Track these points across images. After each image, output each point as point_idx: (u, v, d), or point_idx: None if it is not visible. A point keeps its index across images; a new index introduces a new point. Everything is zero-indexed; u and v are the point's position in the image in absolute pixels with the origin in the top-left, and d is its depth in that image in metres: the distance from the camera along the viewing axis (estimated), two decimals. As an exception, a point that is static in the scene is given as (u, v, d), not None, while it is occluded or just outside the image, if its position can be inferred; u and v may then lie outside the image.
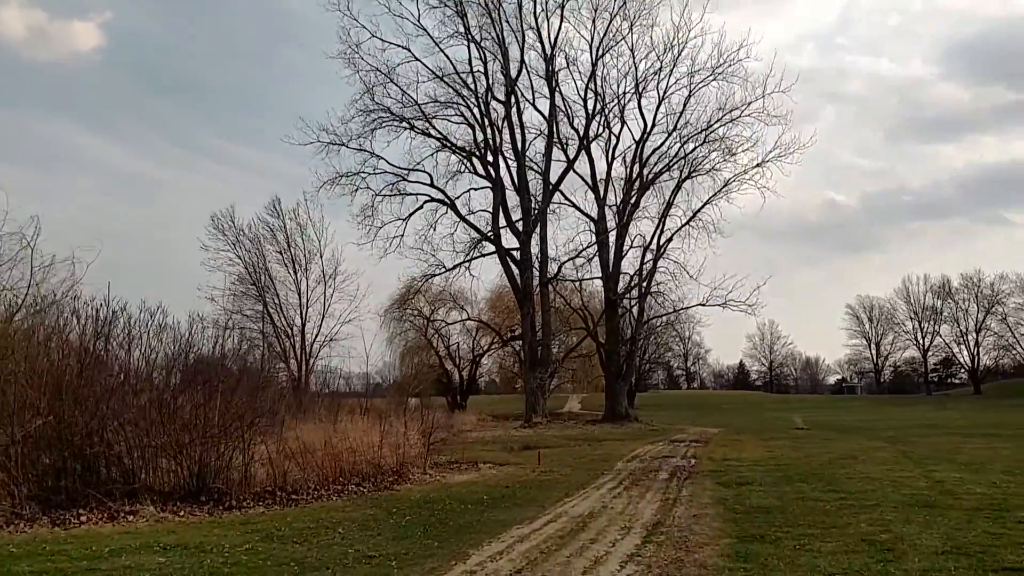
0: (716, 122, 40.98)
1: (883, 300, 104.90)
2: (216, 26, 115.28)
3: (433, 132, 39.85)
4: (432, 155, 39.80)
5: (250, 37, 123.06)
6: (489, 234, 40.00)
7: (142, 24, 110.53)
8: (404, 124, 38.87)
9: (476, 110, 39.86)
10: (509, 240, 40.43)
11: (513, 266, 39.89)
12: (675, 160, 41.94)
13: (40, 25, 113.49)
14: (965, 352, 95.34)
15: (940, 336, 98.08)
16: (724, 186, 41.05)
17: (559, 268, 40.73)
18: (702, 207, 41.55)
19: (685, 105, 40.87)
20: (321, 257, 38.66)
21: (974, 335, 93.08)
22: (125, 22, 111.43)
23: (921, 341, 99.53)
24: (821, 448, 23.65)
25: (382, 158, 39.78)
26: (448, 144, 39.90)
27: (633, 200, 42.38)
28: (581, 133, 41.65)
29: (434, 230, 40.27)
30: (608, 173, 42.92)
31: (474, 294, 63.31)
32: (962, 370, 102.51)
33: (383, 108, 38.45)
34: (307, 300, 38.54)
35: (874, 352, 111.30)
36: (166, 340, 12.96)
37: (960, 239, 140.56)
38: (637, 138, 42.35)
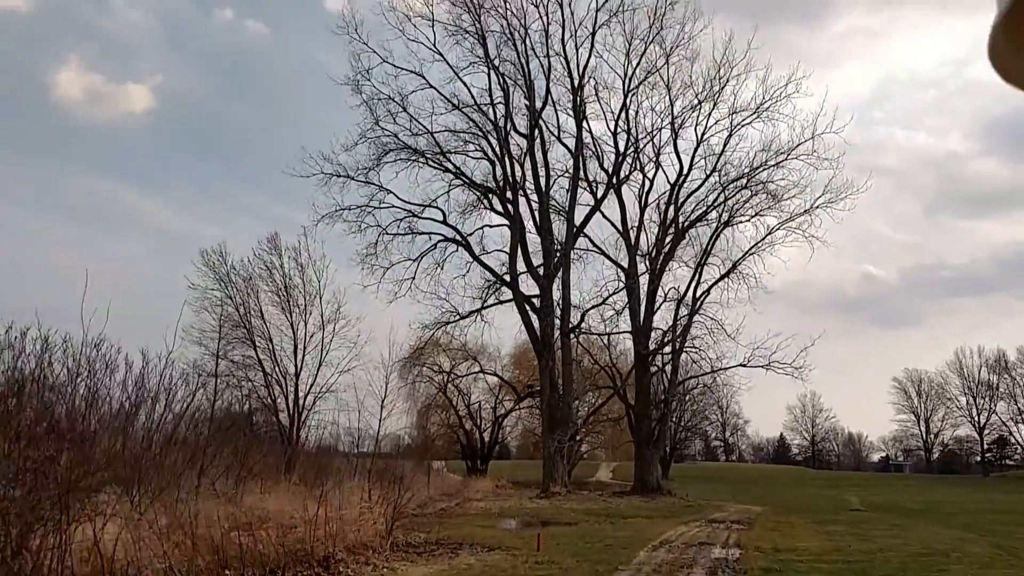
0: (760, 165, 37.33)
1: (933, 374, 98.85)
2: (262, 87, 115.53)
3: (447, 165, 36.61)
4: (446, 191, 36.31)
5: (293, 99, 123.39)
6: (505, 277, 36.24)
7: (190, 84, 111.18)
8: (416, 156, 35.55)
9: (495, 143, 36.61)
10: (528, 288, 36.79)
11: (532, 314, 36.01)
12: (713, 206, 38.21)
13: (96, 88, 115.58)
14: (1022, 431, 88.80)
15: (996, 414, 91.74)
16: (768, 234, 37.20)
17: (582, 317, 36.55)
18: (744, 256, 37.67)
19: (725, 145, 37.36)
20: (320, 299, 35.06)
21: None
22: (175, 83, 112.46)
23: (976, 418, 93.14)
24: (893, 538, 19.30)
25: (391, 192, 36.56)
26: (464, 178, 36.50)
27: (667, 248, 38.59)
28: (610, 172, 38.13)
29: (441, 269, 36.60)
30: (640, 219, 39.31)
31: (497, 349, 59.53)
32: (1017, 450, 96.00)
33: (392, 136, 35.28)
34: (304, 346, 34.94)
35: (923, 428, 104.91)
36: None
37: (1000, 316, 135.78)
38: (672, 181, 38.77)
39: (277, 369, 35.00)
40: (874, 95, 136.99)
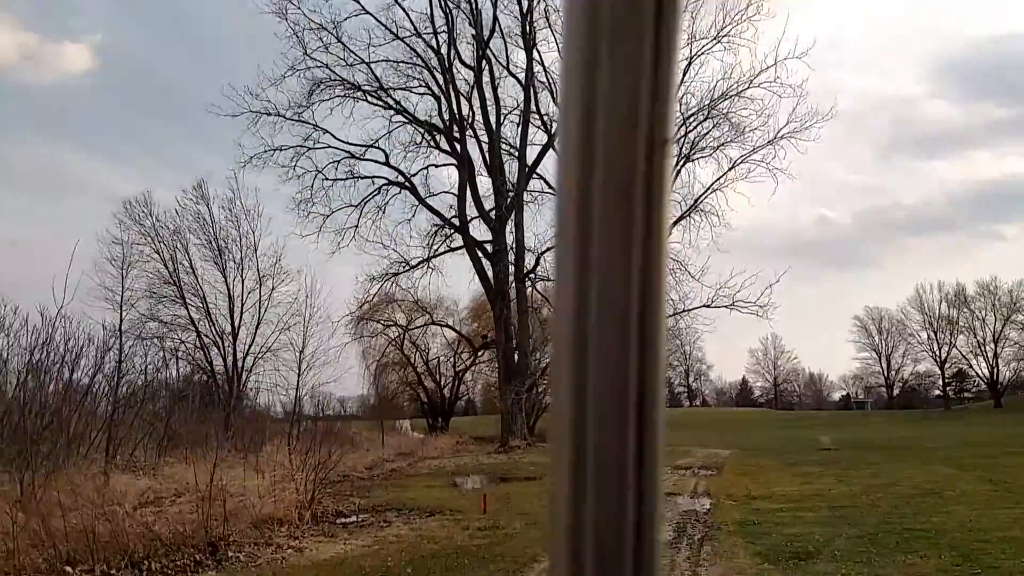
0: (721, 96, 35.29)
1: (893, 311, 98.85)
2: (198, 38, 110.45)
3: (388, 101, 33.41)
4: (387, 131, 33.29)
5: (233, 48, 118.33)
6: (454, 220, 33.79)
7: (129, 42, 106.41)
8: (352, 90, 32.26)
9: (439, 77, 33.76)
10: (481, 234, 34.47)
11: (485, 261, 33.82)
12: (673, 140, 36.13)
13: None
14: (984, 364, 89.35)
15: (956, 347, 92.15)
16: (731, 167, 35.18)
17: (537, 260, 34.20)
18: (706, 192, 35.70)
19: (684, 75, 34.90)
20: (256, 252, 32.57)
21: (992, 346, 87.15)
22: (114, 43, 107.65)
23: (937, 352, 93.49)
24: (873, 478, 17.89)
25: (327, 131, 33.23)
26: (407, 115, 33.48)
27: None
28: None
29: (383, 213, 33.71)
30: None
31: (455, 302, 57.43)
32: (977, 383, 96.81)
33: (325, 68, 31.94)
34: (242, 303, 32.54)
35: (884, 365, 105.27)
36: None
37: (955, 254, 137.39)
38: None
39: (213, 329, 32.70)
40: (828, 41, 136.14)
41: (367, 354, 55.97)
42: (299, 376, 26.55)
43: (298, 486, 11.83)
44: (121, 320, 17.53)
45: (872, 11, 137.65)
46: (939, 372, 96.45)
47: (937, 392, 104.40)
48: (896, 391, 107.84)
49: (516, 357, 34.17)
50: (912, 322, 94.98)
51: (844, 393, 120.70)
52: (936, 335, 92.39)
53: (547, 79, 35.57)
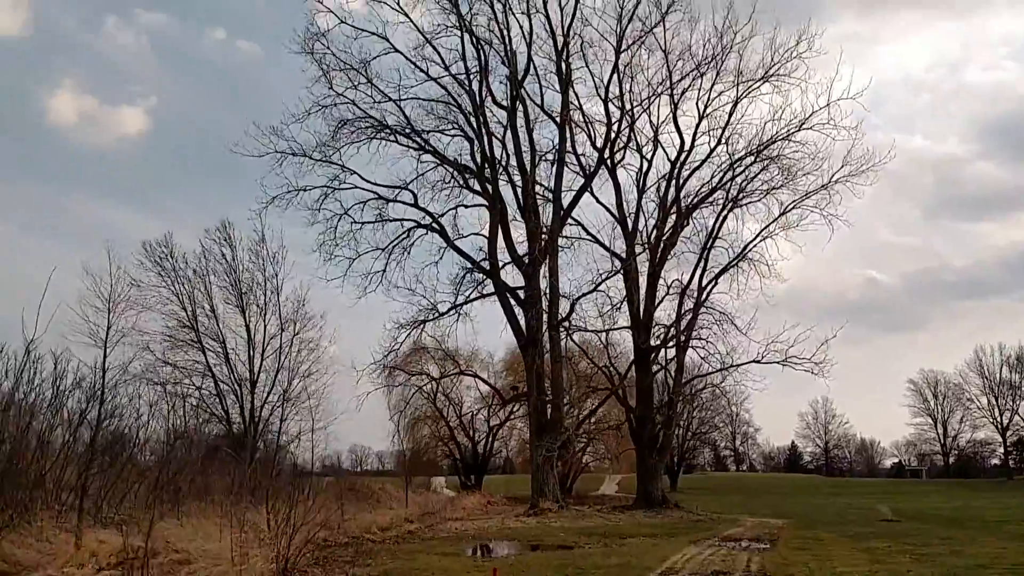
0: (770, 138, 33.34)
1: (950, 374, 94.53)
2: (255, 105, 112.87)
3: (417, 141, 32.10)
4: (416, 174, 31.52)
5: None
6: (484, 264, 31.92)
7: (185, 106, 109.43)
8: (380, 129, 31.11)
9: (471, 118, 32.34)
10: (513, 280, 32.58)
11: (517, 308, 31.87)
12: (719, 185, 34.18)
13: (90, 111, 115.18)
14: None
15: (1018, 414, 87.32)
16: (783, 212, 33.17)
17: (572, 306, 31.79)
18: (755, 239, 33.76)
19: (731, 116, 33.29)
20: (278, 295, 31.18)
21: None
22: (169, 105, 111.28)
23: (999, 418, 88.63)
24: (953, 555, 15.44)
25: (354, 172, 31.87)
26: (436, 155, 31.89)
27: (668, 234, 34.59)
28: (601, 148, 33.89)
29: (408, 254, 31.94)
30: (639, 203, 35.23)
31: (490, 355, 55.47)
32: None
33: (351, 104, 30.40)
34: (263, 349, 31.02)
35: (940, 431, 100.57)
36: None
37: (1008, 318, 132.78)
38: (673, 159, 34.76)
39: (232, 375, 31.16)
40: (869, 100, 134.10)
41: (398, 406, 54.11)
42: (313, 425, 24.68)
43: (269, 551, 9.92)
44: (104, 357, 15.79)
45: (913, 71, 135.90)
46: (999, 439, 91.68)
47: (995, 461, 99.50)
48: (952, 459, 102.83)
49: (549, 411, 31.92)
50: (971, 386, 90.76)
51: (896, 460, 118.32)
52: (997, 400, 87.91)
53: (583, 118, 34.08)
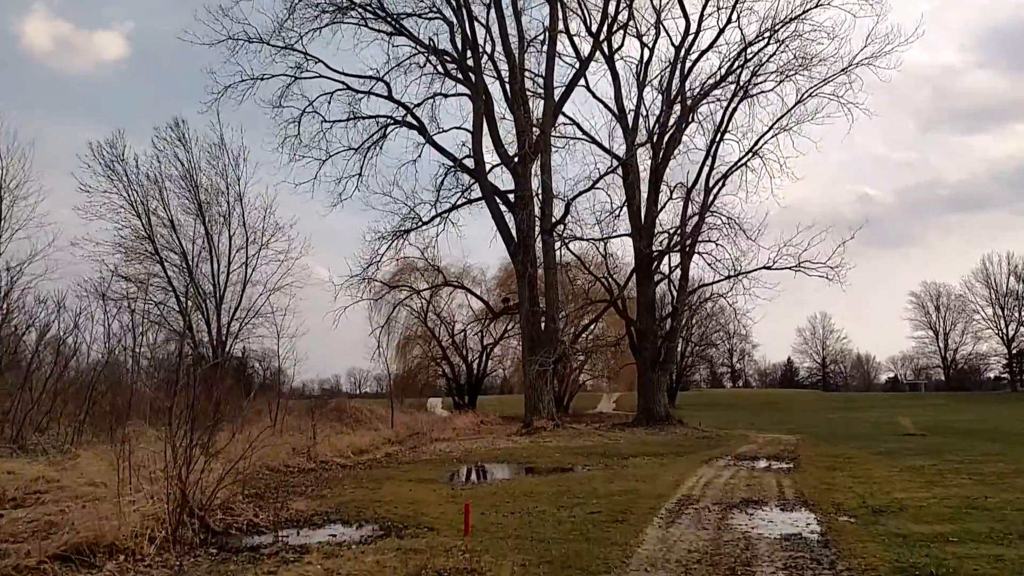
0: (784, 18, 29.79)
1: (953, 287, 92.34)
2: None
3: (391, 24, 28.00)
4: (388, 58, 28.15)
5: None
6: (465, 160, 28.63)
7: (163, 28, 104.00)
8: (349, 12, 27.25)
9: None
10: (502, 182, 29.40)
11: (505, 210, 28.79)
12: (729, 72, 30.76)
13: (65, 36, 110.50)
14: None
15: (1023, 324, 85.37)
16: (799, 100, 29.85)
17: (567, 207, 28.49)
18: (769, 130, 30.45)
19: (742, -9, 29.72)
20: (241, 201, 28.12)
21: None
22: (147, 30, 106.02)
23: (1004, 329, 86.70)
24: (1020, 475, 13.00)
25: (320, 61, 28.19)
26: (412, 38, 28.23)
27: (671, 130, 31.37)
28: (596, 31, 30.19)
29: (380, 149, 28.50)
30: (639, 97, 31.72)
31: (482, 271, 52.78)
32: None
33: None
34: (228, 261, 28.13)
35: (942, 344, 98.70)
36: None
37: (1001, 231, 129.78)
38: (677, 43, 31.26)
39: (197, 290, 28.39)
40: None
41: (383, 324, 51.75)
42: (278, 341, 22.09)
43: (164, 487, 7.34)
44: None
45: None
46: (1003, 350, 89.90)
47: (991, 374, 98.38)
48: (951, 372, 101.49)
49: (543, 323, 29.17)
50: (977, 297, 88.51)
51: (892, 375, 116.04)
52: (1003, 311, 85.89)
53: (580, 4, 30.42)
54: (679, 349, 48.22)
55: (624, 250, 34.39)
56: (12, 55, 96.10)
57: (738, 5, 29.67)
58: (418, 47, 28.64)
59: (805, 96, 29.99)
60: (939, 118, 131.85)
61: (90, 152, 26.91)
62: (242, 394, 31.41)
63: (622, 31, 30.84)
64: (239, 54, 27.17)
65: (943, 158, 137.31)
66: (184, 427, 8.03)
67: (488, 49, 29.46)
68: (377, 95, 29.08)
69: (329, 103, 28.52)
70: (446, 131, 29.68)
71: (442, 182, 28.93)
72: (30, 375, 16.88)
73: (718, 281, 31.58)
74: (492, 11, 28.95)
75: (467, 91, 28.87)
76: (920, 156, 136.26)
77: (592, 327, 36.07)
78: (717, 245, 30.45)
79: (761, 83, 30.73)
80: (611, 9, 30.40)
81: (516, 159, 28.34)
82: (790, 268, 30.05)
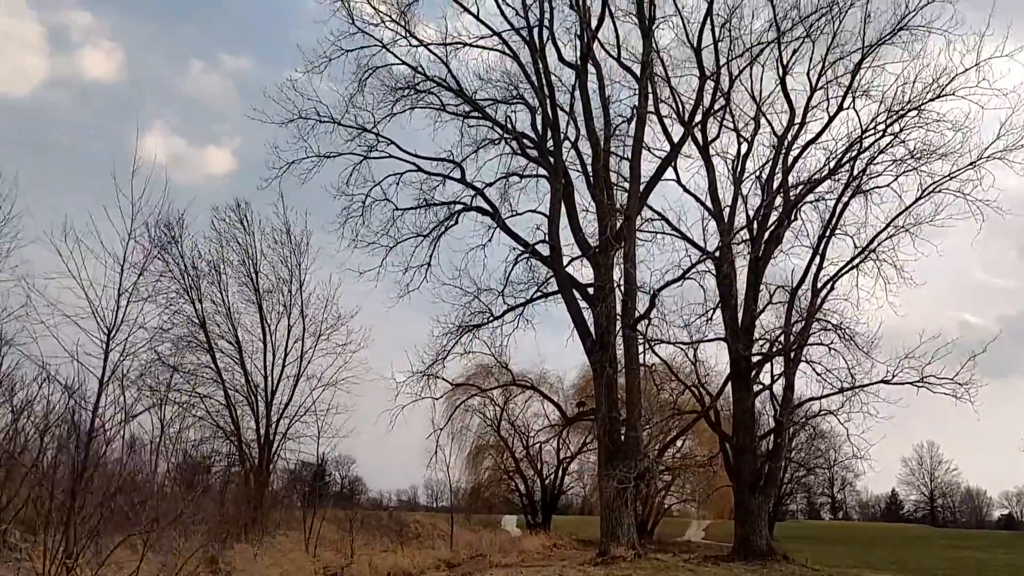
0: (900, 109, 26.76)
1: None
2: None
3: (470, 104, 26.33)
4: (462, 139, 26.15)
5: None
6: (538, 247, 25.93)
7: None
8: (428, 94, 25.60)
9: (533, 76, 26.20)
10: (583, 276, 26.66)
11: (584, 306, 25.65)
12: (839, 164, 27.69)
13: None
14: None
15: None
16: (922, 195, 26.24)
17: (652, 300, 25.31)
18: (886, 228, 26.82)
19: (854, 76, 26.82)
20: (301, 290, 26.22)
21: None
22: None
23: None
24: None
25: (393, 142, 26.21)
26: (489, 119, 26.18)
27: (772, 227, 28.31)
28: (690, 113, 27.44)
29: (446, 229, 26.35)
30: (735, 192, 28.79)
31: (559, 379, 49.71)
32: None
33: (380, 47, 24.96)
34: (285, 352, 25.97)
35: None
36: None
37: None
38: (780, 133, 28.43)
39: (248, 383, 26.26)
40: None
41: (459, 435, 48.83)
42: (318, 442, 19.51)
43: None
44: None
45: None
46: None
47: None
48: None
49: (623, 433, 25.57)
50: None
51: (1006, 511, 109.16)
52: None
53: (663, 71, 27.95)
54: (782, 470, 43.53)
55: (716, 357, 30.84)
56: (126, 168, 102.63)
57: (849, 91, 26.86)
58: (496, 128, 26.67)
59: (928, 191, 26.52)
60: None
61: (145, 231, 25.54)
62: (292, 503, 28.79)
63: (718, 120, 28.41)
64: (310, 136, 25.58)
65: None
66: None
67: (571, 134, 27.34)
68: (451, 178, 27.06)
69: (398, 184, 26.60)
70: (519, 214, 27.30)
71: (511, 269, 26.36)
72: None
73: (828, 395, 27.66)
74: (577, 97, 26.87)
75: (545, 172, 26.59)
76: (1021, 284, 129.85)
77: (681, 443, 32.23)
78: (831, 350, 26.81)
79: (876, 177, 27.56)
80: (706, 99, 28.02)
81: (597, 247, 25.57)
82: (912, 383, 25.98)
